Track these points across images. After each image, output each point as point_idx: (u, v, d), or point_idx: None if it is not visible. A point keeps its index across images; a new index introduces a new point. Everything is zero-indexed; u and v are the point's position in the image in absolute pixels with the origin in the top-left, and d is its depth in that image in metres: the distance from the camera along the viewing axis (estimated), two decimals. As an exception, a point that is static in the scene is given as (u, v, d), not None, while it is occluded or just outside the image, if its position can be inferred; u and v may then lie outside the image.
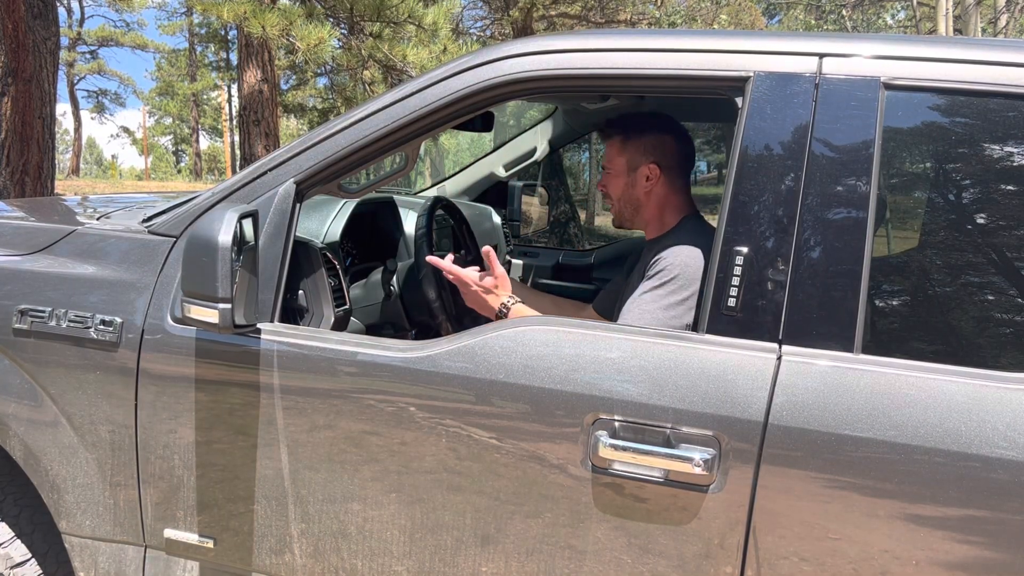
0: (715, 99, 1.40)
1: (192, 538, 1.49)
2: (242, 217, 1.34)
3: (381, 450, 1.36)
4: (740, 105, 1.28)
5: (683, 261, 1.58)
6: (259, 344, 1.41)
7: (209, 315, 1.30)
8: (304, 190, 1.50)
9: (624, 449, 1.21)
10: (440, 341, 1.35)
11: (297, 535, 1.43)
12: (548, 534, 1.29)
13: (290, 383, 1.39)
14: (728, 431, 1.18)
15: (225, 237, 1.29)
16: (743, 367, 1.20)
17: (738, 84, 1.29)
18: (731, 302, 1.23)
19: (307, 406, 1.39)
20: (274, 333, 1.42)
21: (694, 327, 1.38)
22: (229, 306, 1.29)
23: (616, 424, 1.22)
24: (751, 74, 1.28)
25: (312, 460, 1.40)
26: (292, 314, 1.65)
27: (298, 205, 1.50)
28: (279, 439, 1.40)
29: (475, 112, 1.45)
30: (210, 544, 1.48)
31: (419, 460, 1.34)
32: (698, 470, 1.17)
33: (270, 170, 1.50)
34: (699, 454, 1.17)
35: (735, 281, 1.23)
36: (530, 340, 1.30)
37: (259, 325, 1.42)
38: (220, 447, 1.44)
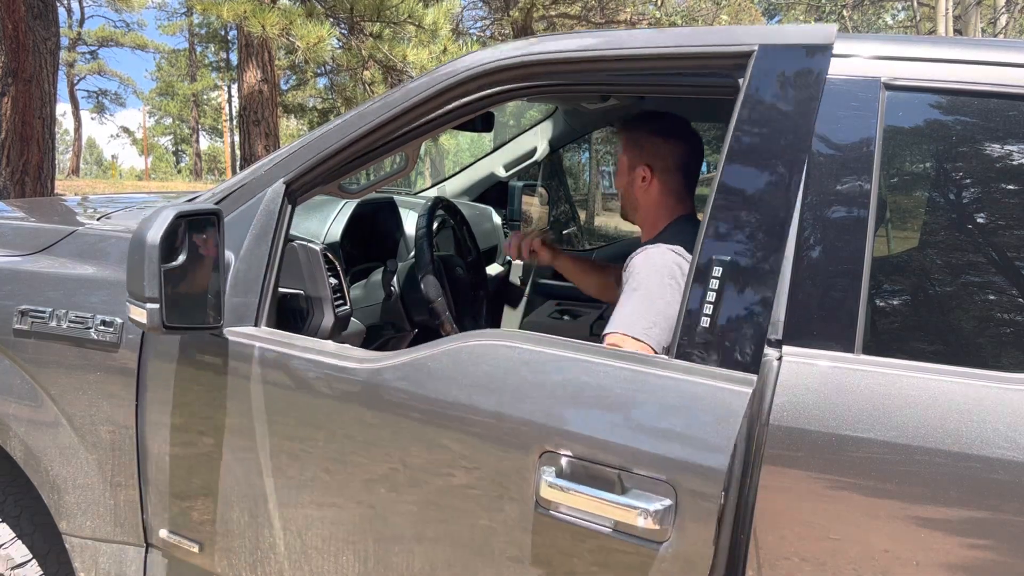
0: (715, 100, 1.39)
1: (181, 541, 1.49)
2: (185, 216, 1.30)
3: (334, 460, 1.31)
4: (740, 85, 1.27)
5: (641, 260, 1.56)
6: (228, 347, 1.39)
7: (139, 315, 1.28)
8: (296, 191, 1.48)
9: (567, 490, 1.09)
10: (396, 353, 1.30)
11: (273, 542, 1.42)
12: (493, 570, 1.20)
13: (255, 387, 1.37)
14: (687, 478, 1.05)
15: (154, 236, 1.25)
16: (711, 402, 1.08)
17: (742, 61, 1.28)
18: (704, 323, 1.16)
19: (275, 411, 1.37)
20: (241, 335, 1.40)
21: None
22: (156, 306, 1.26)
23: (563, 460, 1.10)
24: (755, 48, 1.27)
25: (280, 467, 1.37)
26: (293, 315, 1.65)
27: (288, 206, 1.47)
28: (252, 443, 1.38)
29: (468, 102, 1.41)
30: (195, 548, 1.48)
31: (366, 475, 1.29)
32: (647, 523, 1.05)
33: (265, 171, 1.50)
34: (652, 504, 1.05)
35: (711, 298, 1.18)
36: (483, 357, 1.20)
37: (238, 328, 1.40)
38: (203, 450, 1.44)
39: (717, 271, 1.12)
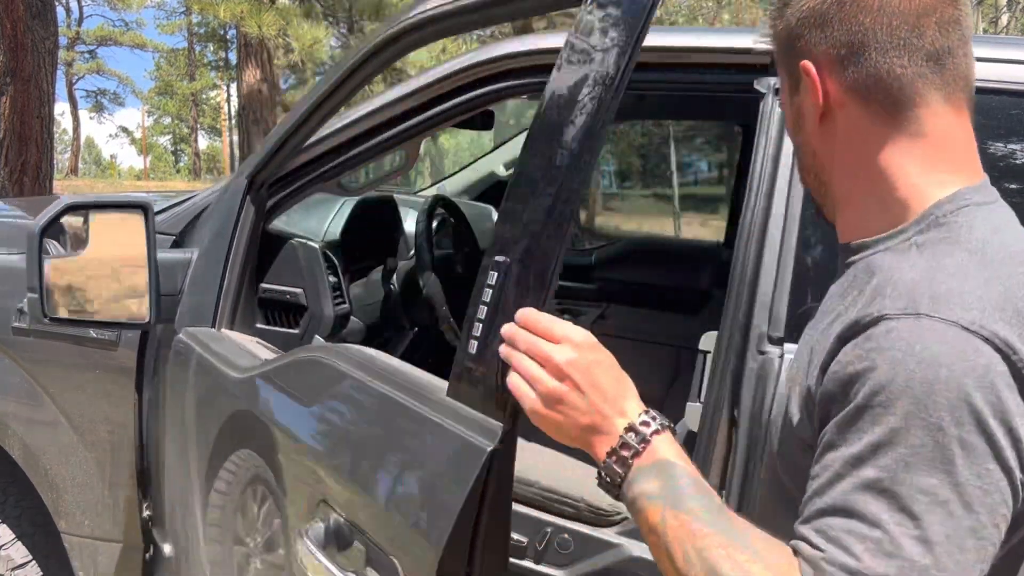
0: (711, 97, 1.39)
1: (163, 543, 1.48)
2: (80, 207, 1.28)
3: (229, 472, 1.25)
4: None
5: (912, 378, 0.55)
6: (172, 346, 1.38)
7: (26, 305, 1.27)
8: (263, 186, 1.42)
9: (314, 557, 0.84)
10: (268, 362, 1.19)
11: (198, 552, 1.34)
12: None
13: (187, 390, 1.34)
14: (411, 547, 0.79)
15: (37, 226, 1.24)
16: (455, 451, 0.79)
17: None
18: (471, 348, 0.88)
19: (195, 414, 1.33)
20: (188, 336, 1.37)
21: None
22: (36, 296, 1.25)
23: (331, 518, 0.86)
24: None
25: (199, 471, 1.31)
26: (292, 313, 1.64)
27: (251, 203, 1.40)
28: (184, 448, 1.34)
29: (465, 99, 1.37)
30: (169, 551, 1.47)
31: (241, 491, 1.23)
32: None
33: (238, 170, 1.48)
34: None
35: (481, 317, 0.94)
36: (309, 372, 1.06)
37: (191, 328, 1.37)
38: (165, 453, 1.43)
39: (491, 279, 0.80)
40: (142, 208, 1.28)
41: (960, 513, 0.53)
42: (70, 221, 1.32)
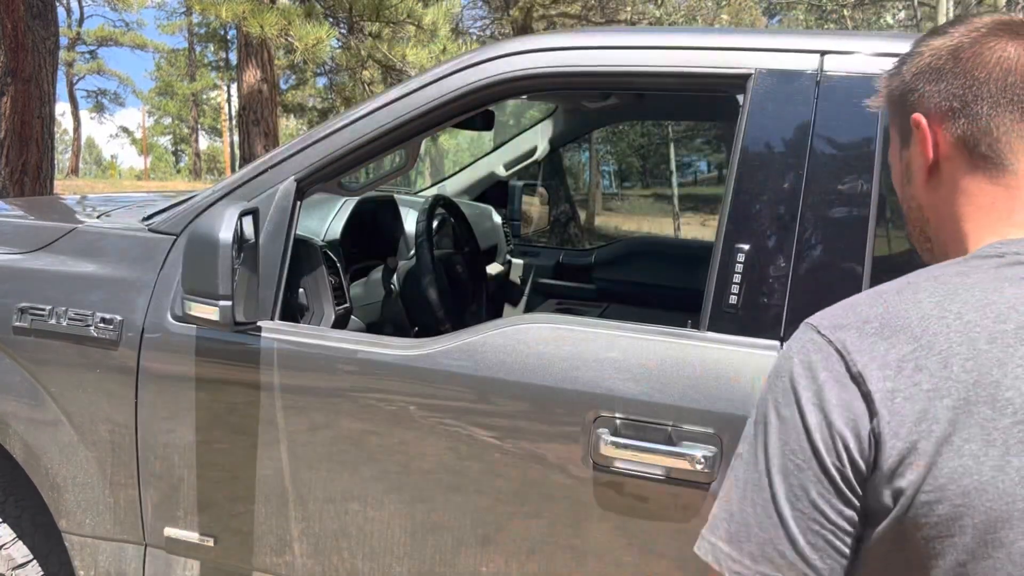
0: (715, 97, 1.39)
1: (193, 536, 1.49)
2: (243, 214, 1.35)
3: (380, 450, 1.35)
4: (741, 103, 1.28)
5: (776, 368, 0.70)
6: (259, 342, 1.41)
7: (209, 312, 1.31)
8: (305, 187, 1.50)
9: (625, 447, 1.21)
10: (441, 338, 1.35)
11: (297, 534, 1.43)
12: (549, 533, 1.28)
13: (290, 381, 1.39)
14: (729, 429, 1.18)
15: (226, 234, 1.29)
16: (744, 364, 1.20)
17: (739, 81, 1.29)
18: (732, 299, 1.23)
19: (307, 404, 1.38)
20: (274, 331, 1.42)
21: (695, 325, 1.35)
22: (229, 303, 1.30)
23: (617, 422, 1.22)
24: (752, 71, 1.28)
25: (312, 459, 1.39)
26: (292, 312, 1.65)
27: (299, 203, 1.49)
28: (279, 438, 1.40)
29: (475, 110, 1.45)
30: (210, 543, 1.48)
31: (419, 459, 1.33)
32: (699, 468, 1.17)
33: (271, 168, 1.50)
34: (700, 451, 1.17)
35: (736, 279, 1.23)
36: (530, 338, 1.29)
37: (259, 323, 1.42)
38: (220, 446, 1.44)
39: (740, 257, 1.23)
40: (252, 214, 1.39)
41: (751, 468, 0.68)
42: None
